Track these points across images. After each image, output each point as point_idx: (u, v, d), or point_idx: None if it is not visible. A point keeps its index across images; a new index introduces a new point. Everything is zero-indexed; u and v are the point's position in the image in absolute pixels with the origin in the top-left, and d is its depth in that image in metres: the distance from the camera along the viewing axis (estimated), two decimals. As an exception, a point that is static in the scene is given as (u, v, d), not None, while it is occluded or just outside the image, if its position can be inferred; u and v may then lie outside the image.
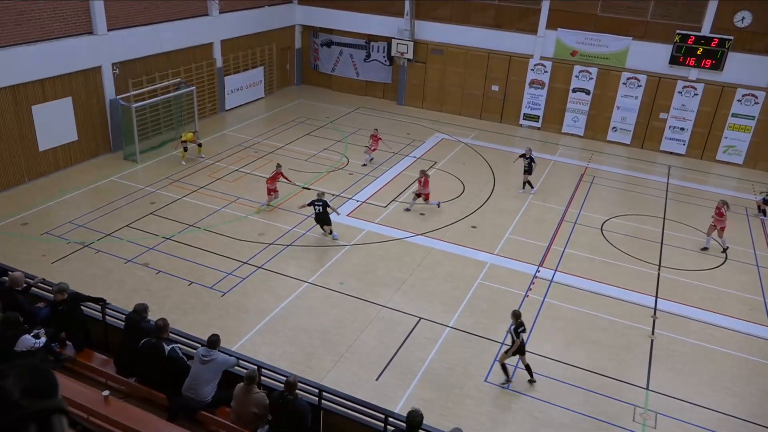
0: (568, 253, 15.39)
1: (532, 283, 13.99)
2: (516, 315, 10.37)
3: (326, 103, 26.83)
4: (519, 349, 10.42)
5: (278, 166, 16.74)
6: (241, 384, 7.50)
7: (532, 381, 10.71)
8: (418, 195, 16.77)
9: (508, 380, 10.70)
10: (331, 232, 15.23)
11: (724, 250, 15.84)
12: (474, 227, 16.47)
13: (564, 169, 21.25)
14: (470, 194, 18.48)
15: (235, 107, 25.23)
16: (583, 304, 13.32)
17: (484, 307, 12.98)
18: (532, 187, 18.79)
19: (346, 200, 17.38)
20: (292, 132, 22.88)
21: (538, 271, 14.52)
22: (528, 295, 13.49)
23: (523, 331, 10.38)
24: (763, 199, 18.40)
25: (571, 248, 15.66)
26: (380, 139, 20.41)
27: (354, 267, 14.17)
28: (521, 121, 25.31)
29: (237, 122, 23.73)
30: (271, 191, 16.36)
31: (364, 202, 17.45)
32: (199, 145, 19.68)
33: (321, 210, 14.89)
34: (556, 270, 14.57)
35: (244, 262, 14.08)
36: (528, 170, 18.46)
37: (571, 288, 13.88)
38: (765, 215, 18.28)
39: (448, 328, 12.21)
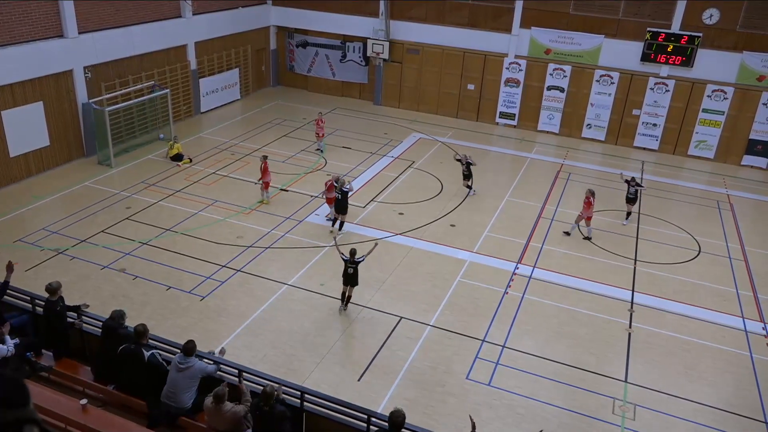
0: (546, 250, 15.56)
1: (511, 280, 14.12)
2: (352, 253, 12.11)
3: (303, 104, 26.73)
4: (348, 280, 12.18)
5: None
6: (210, 399, 7.19)
7: (343, 309, 12.47)
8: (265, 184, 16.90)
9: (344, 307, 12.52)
10: (341, 227, 15.51)
11: (586, 238, 16.13)
12: (453, 226, 16.56)
13: (540, 166, 21.47)
14: (448, 193, 18.57)
15: (211, 109, 25.02)
16: (561, 299, 13.47)
17: (464, 304, 13.06)
18: (470, 188, 18.38)
19: (325, 201, 17.32)
20: (269, 133, 22.75)
21: (517, 268, 14.65)
22: (507, 292, 13.60)
23: (354, 266, 12.06)
24: (633, 186, 16.90)
25: (549, 245, 15.83)
26: (318, 123, 20.92)
27: (334, 268, 14.11)
28: (497, 120, 25.51)
29: (213, 125, 23.52)
30: (330, 201, 16.01)
31: (343, 202, 17.41)
32: (190, 160, 19.58)
33: (341, 197, 15.11)
34: (534, 266, 14.72)
35: (223, 266, 13.98)
36: (467, 175, 18.16)
37: (550, 284, 14.04)
38: (627, 218, 17.26)
39: (429, 326, 12.26)
